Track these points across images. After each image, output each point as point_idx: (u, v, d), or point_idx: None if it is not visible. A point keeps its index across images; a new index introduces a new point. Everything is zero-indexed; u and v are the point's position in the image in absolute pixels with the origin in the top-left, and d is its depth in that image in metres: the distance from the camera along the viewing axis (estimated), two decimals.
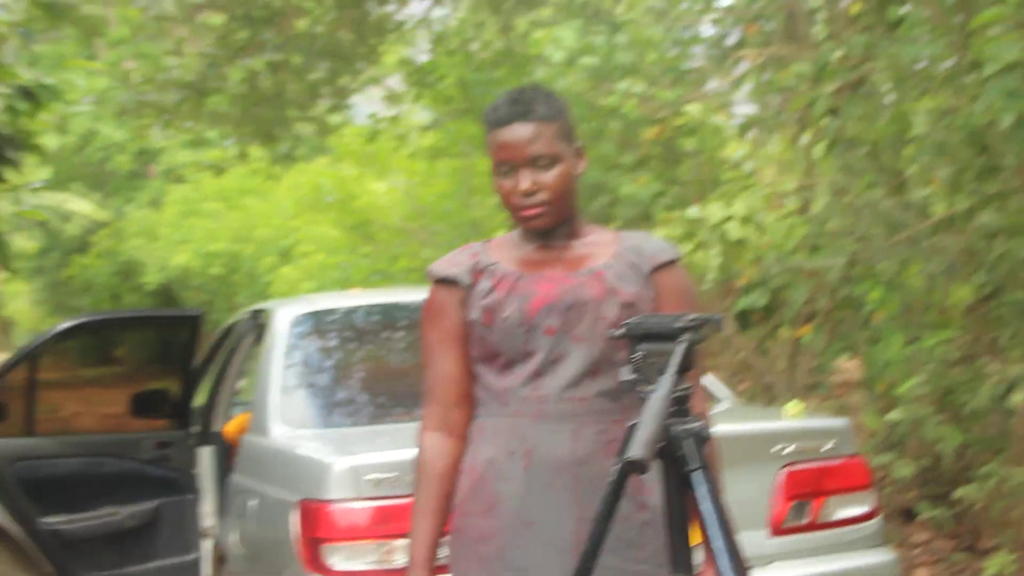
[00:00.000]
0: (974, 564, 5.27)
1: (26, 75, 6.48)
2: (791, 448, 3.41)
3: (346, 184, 12.10)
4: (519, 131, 2.19)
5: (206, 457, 4.72)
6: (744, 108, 7.96)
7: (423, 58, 10.22)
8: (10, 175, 6.67)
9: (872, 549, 3.55)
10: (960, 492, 4.91)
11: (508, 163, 2.21)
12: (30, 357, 4.35)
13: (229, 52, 9.75)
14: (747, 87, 7.41)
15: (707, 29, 7.37)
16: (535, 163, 2.20)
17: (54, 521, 4.12)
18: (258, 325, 4.48)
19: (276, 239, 14.67)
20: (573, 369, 2.20)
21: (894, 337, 5.23)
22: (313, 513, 3.11)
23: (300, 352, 4.05)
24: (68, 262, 20.19)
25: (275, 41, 9.69)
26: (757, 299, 6.46)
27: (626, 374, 1.92)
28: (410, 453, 2.31)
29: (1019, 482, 4.74)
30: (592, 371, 2.20)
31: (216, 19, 10.01)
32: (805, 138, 6.99)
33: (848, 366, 8.23)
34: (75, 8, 7.43)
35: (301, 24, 9.77)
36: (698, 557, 1.90)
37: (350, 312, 4.30)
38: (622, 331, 1.95)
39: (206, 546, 4.37)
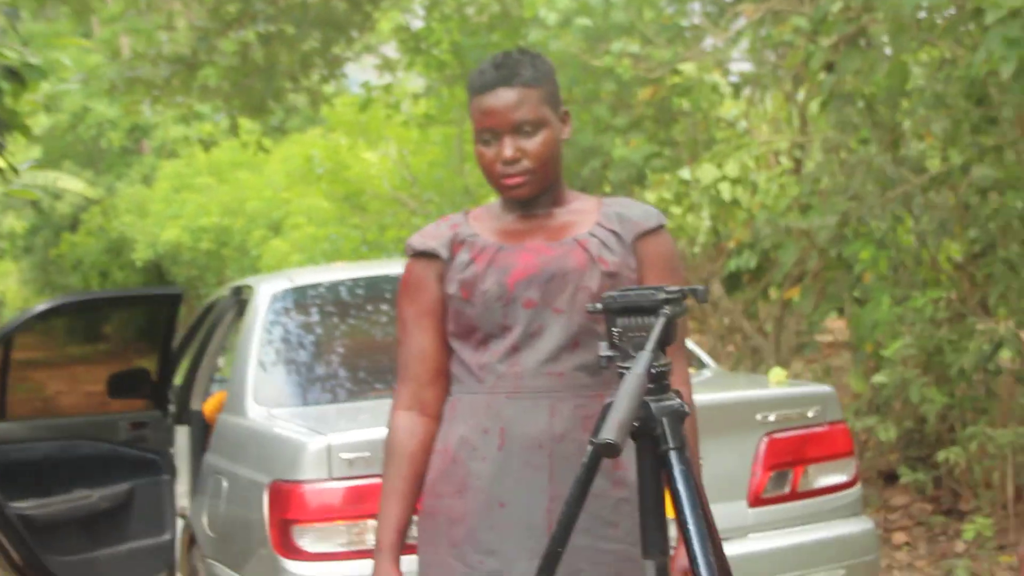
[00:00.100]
0: (953, 527, 5.19)
1: (11, 54, 6.28)
2: (773, 416, 3.30)
3: (337, 154, 11.97)
4: (503, 96, 2.09)
5: (183, 436, 4.59)
6: (740, 66, 7.80)
7: (418, 24, 10.03)
8: None
9: (851, 518, 3.46)
10: (943, 454, 4.83)
11: (491, 130, 2.10)
12: (4, 340, 4.21)
13: (221, 24, 9.56)
14: (744, 44, 7.25)
15: None
16: (519, 130, 2.09)
17: (24, 506, 3.98)
18: (240, 301, 4.36)
19: (267, 212, 14.57)
20: (552, 343, 2.09)
21: (883, 297, 5.12)
22: (284, 494, 2.99)
23: (280, 329, 3.92)
24: (58, 240, 20.08)
25: (267, 12, 9.49)
26: (747, 260, 6.33)
27: (604, 350, 1.78)
28: (386, 431, 2.18)
29: (1003, 443, 4.65)
30: (571, 344, 2.09)
31: None
32: (800, 95, 6.85)
33: (835, 326, 8.13)
34: None
35: None
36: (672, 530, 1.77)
37: (334, 286, 4.16)
38: (599, 305, 1.81)
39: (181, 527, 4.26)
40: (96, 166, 21.27)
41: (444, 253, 2.14)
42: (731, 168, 6.67)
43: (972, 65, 4.76)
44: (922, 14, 5.44)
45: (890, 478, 5.75)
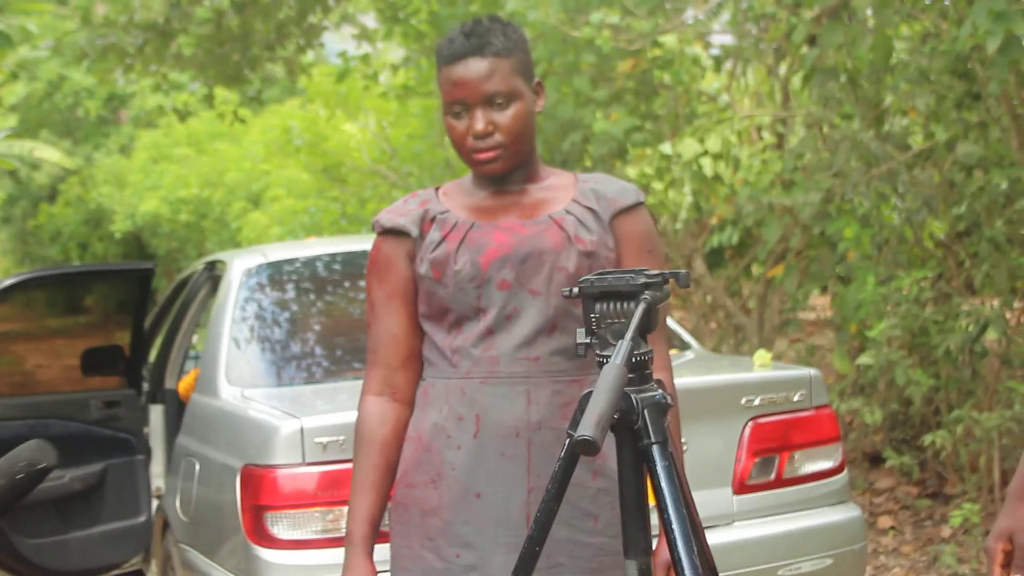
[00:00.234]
0: (939, 511, 5.16)
1: None
2: (757, 400, 3.23)
3: (316, 125, 11.83)
4: (474, 67, 2.00)
5: (157, 416, 4.51)
6: (721, 39, 7.71)
7: None
8: None
9: (838, 505, 3.39)
10: (928, 438, 4.78)
11: (461, 102, 2.02)
12: None
13: None
14: (725, 16, 7.16)
15: None
16: (491, 102, 2.01)
17: None
18: (213, 277, 4.27)
19: (246, 184, 14.44)
20: (528, 326, 2.01)
21: (868, 277, 5.07)
22: (256, 479, 2.91)
23: (254, 306, 3.84)
24: (37, 211, 19.87)
25: None
26: (729, 236, 6.26)
27: (581, 337, 1.71)
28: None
29: (989, 427, 4.60)
30: (548, 328, 2.02)
31: None
32: (782, 69, 6.77)
33: (818, 303, 8.09)
34: None
35: None
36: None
37: (310, 262, 4.08)
38: (576, 290, 1.73)
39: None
40: (73, 136, 21.04)
41: (414, 231, 2.06)
42: (713, 143, 6.60)
43: (957, 39, 4.69)
44: None
45: (875, 460, 5.72)
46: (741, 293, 7.49)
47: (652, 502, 1.70)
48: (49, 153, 19.49)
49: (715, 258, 7.82)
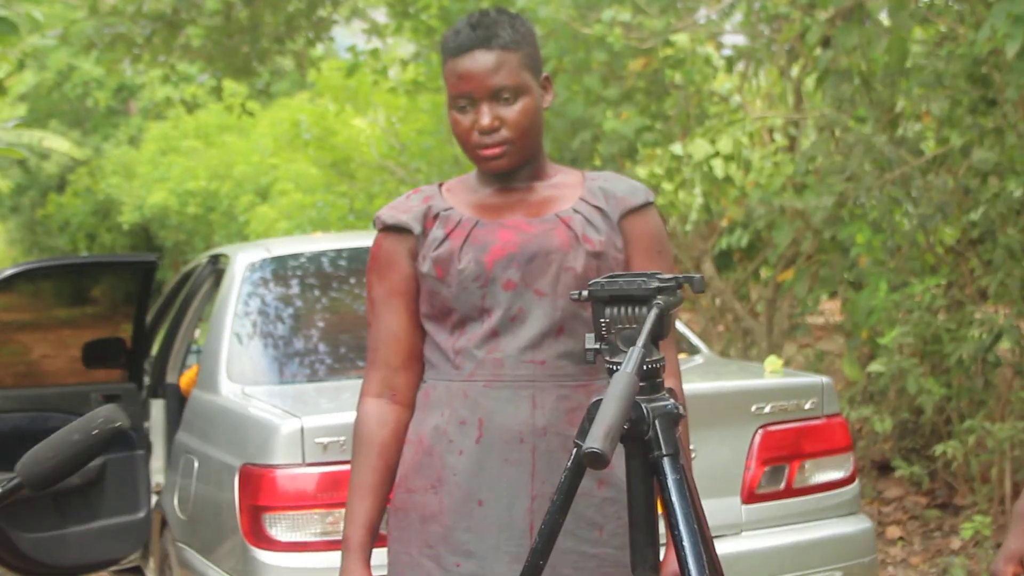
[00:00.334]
0: (948, 522, 5.09)
1: None
2: (768, 408, 3.17)
3: (325, 120, 11.78)
4: (480, 60, 1.94)
5: (158, 410, 4.46)
6: (733, 39, 7.64)
7: None
8: None
9: (848, 517, 3.32)
10: (940, 448, 4.71)
11: (467, 96, 1.96)
12: None
13: None
14: (738, 17, 7.09)
15: None
16: (497, 96, 1.95)
17: None
18: (216, 271, 4.22)
19: (254, 177, 14.40)
20: (534, 328, 1.95)
21: (880, 283, 5.00)
22: (255, 479, 2.86)
23: (257, 300, 3.78)
24: (45, 201, 19.87)
25: None
26: (739, 239, 6.19)
27: (590, 342, 1.64)
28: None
29: (1001, 438, 4.53)
30: (555, 330, 1.96)
31: None
32: (795, 70, 6.70)
33: (827, 307, 8.02)
34: None
35: None
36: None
37: (315, 257, 4.02)
38: (585, 293, 1.67)
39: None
40: (83, 126, 21.03)
41: (416, 228, 2.00)
42: (724, 144, 6.53)
43: (975, 43, 4.62)
44: None
45: (883, 468, 5.65)
46: (750, 296, 7.42)
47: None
48: (58, 143, 19.48)
49: (724, 260, 7.75)
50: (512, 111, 1.95)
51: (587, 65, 6.66)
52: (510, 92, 1.94)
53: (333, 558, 2.69)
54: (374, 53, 9.34)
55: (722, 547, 2.07)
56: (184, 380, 4.48)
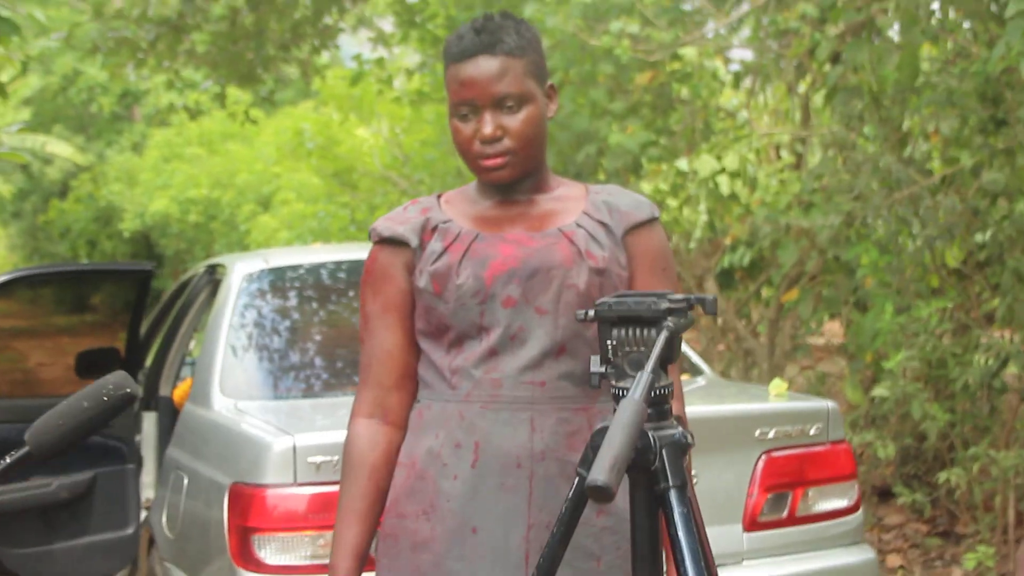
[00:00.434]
0: (950, 550, 4.99)
1: None
2: (772, 432, 3.08)
3: (329, 129, 11.72)
4: (484, 66, 1.87)
5: (150, 424, 4.37)
6: (740, 54, 7.57)
7: None
8: None
9: (852, 547, 3.23)
10: (943, 476, 4.61)
11: (469, 103, 1.88)
12: None
13: None
14: (746, 32, 7.02)
15: None
16: (501, 104, 1.87)
17: None
18: (213, 281, 4.13)
19: (257, 186, 14.34)
20: (535, 348, 1.87)
21: (887, 305, 4.91)
22: (245, 499, 2.77)
23: (253, 312, 3.70)
24: (47, 206, 19.82)
25: None
26: (741, 257, 6.10)
27: (595, 365, 1.55)
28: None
29: (1006, 467, 4.44)
30: (556, 350, 1.88)
31: None
32: (803, 86, 6.63)
33: (828, 328, 7.94)
34: None
35: None
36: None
37: (313, 269, 3.94)
38: (591, 313, 1.58)
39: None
40: (87, 131, 20.99)
41: (413, 240, 1.92)
42: (730, 161, 6.45)
43: (989, 60, 4.54)
44: (935, 6, 5.23)
45: (884, 494, 5.55)
46: (751, 316, 7.33)
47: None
48: (62, 148, 19.44)
49: (725, 279, 7.67)
50: (516, 120, 1.87)
51: (593, 78, 6.59)
52: (514, 100, 1.87)
53: None
54: (379, 62, 9.29)
55: None
56: (177, 393, 4.39)
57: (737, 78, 6.98)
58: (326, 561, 2.67)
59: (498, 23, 1.90)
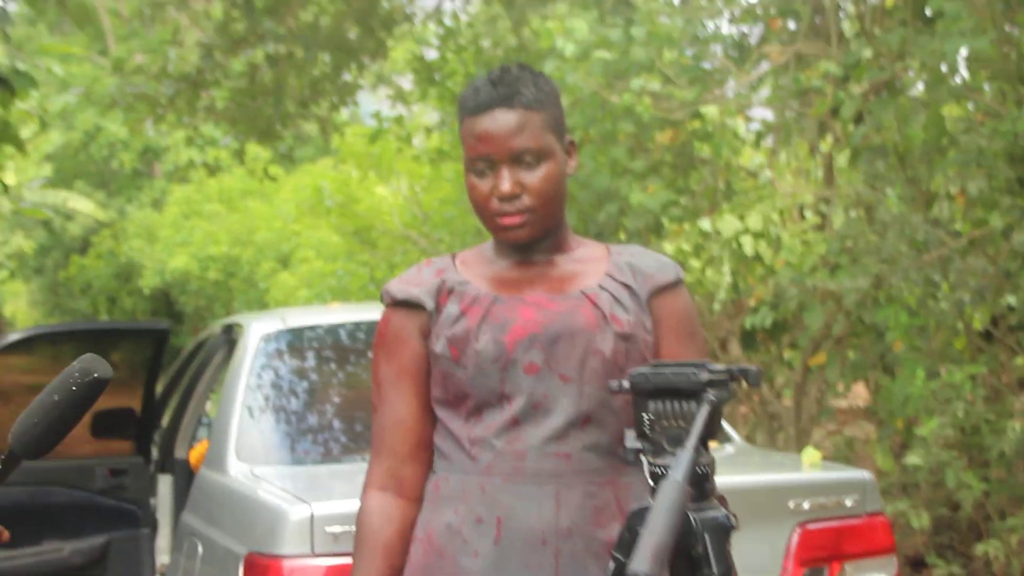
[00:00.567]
0: None
1: (2, 60, 6.05)
2: (807, 504, 2.97)
3: (348, 187, 11.72)
4: (501, 119, 1.79)
5: (166, 486, 4.29)
6: (761, 113, 7.53)
7: (432, 55, 9.82)
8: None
9: None
10: (981, 548, 4.46)
11: (486, 158, 1.81)
12: None
13: (228, 43, 9.35)
14: (767, 90, 6.99)
15: (728, 26, 6.93)
16: (519, 160, 1.80)
17: None
18: (230, 340, 4.06)
19: (276, 243, 14.34)
20: (560, 418, 1.79)
21: (918, 370, 4.80)
22: (260, 570, 2.69)
23: (270, 374, 3.62)
24: (68, 262, 19.89)
25: (277, 32, 9.28)
26: (763, 318, 6.01)
27: (631, 440, 1.47)
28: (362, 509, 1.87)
29: None
30: (582, 420, 1.80)
31: (216, 9, 9.63)
32: (825, 146, 6.57)
33: (852, 389, 7.81)
34: None
35: (306, 15, 9.37)
36: None
37: (332, 329, 3.86)
38: (626, 384, 1.49)
39: None
40: (108, 187, 21.11)
41: (429, 303, 1.85)
42: (754, 221, 6.38)
43: (1018, 120, 4.48)
44: (961, 67, 5.18)
45: (917, 564, 5.40)
46: (775, 379, 7.22)
47: None
48: (83, 204, 19.54)
49: (747, 340, 7.57)
50: (534, 176, 1.80)
51: (613, 136, 6.55)
52: (533, 155, 1.80)
53: None
54: (398, 120, 9.30)
55: None
56: (194, 455, 4.31)
57: (758, 137, 6.94)
58: None
59: (515, 75, 1.83)
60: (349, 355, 3.87)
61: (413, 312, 1.85)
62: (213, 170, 15.86)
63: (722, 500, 1.47)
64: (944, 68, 5.12)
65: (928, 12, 5.50)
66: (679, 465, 1.32)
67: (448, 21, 9.61)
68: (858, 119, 5.72)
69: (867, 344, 5.50)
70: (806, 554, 2.97)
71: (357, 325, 3.94)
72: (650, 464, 1.46)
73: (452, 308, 1.83)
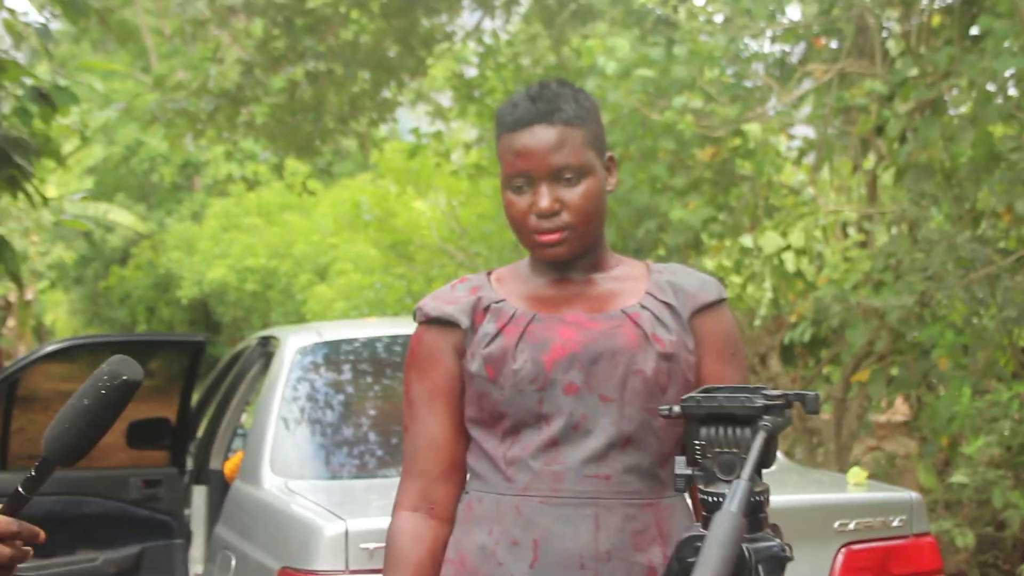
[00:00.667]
0: None
1: (44, 76, 6.10)
2: (853, 524, 2.90)
3: (386, 201, 11.75)
4: (541, 135, 1.75)
5: (200, 497, 4.27)
6: (802, 130, 7.46)
7: (472, 72, 9.83)
8: (40, 186, 6.30)
9: None
10: None
11: (524, 175, 1.76)
12: (7, 382, 3.92)
13: (268, 60, 9.40)
14: (809, 108, 6.92)
15: (771, 45, 6.87)
16: (559, 177, 1.75)
17: (21, 568, 3.66)
18: (266, 353, 4.04)
19: (314, 256, 14.40)
20: (600, 439, 1.74)
21: (964, 388, 4.71)
22: None
23: (306, 387, 3.59)
24: (108, 273, 20.08)
25: (317, 50, 9.31)
26: (801, 333, 5.94)
27: (681, 467, 1.41)
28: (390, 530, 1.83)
29: None
30: (622, 441, 1.75)
31: (257, 27, 9.69)
32: (868, 163, 6.50)
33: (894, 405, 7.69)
34: (98, 8, 7.07)
35: (346, 33, 9.40)
36: None
37: (368, 343, 3.83)
38: (677, 409, 1.43)
39: None
40: (148, 200, 21.31)
41: (464, 321, 1.80)
42: (796, 238, 6.30)
43: None
44: (1009, 86, 5.11)
45: None
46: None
47: None
48: (123, 216, 19.72)
49: (786, 355, 7.50)
50: (574, 193, 1.76)
51: (654, 153, 6.50)
52: (573, 172, 1.75)
53: None
54: (437, 136, 9.30)
55: None
56: (228, 466, 4.29)
57: (800, 154, 6.88)
58: None
59: (555, 91, 1.78)
60: (385, 368, 3.83)
61: (447, 330, 1.81)
62: (252, 184, 15.95)
63: (775, 529, 1.41)
64: (992, 87, 5.05)
65: (974, 31, 5.43)
66: (735, 496, 1.26)
67: (488, 39, 9.61)
68: (902, 137, 5.65)
69: (910, 361, 5.41)
70: (851, 575, 2.90)
71: (394, 338, 3.90)
72: (702, 492, 1.40)
73: (488, 326, 1.79)
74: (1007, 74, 4.88)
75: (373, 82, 10.01)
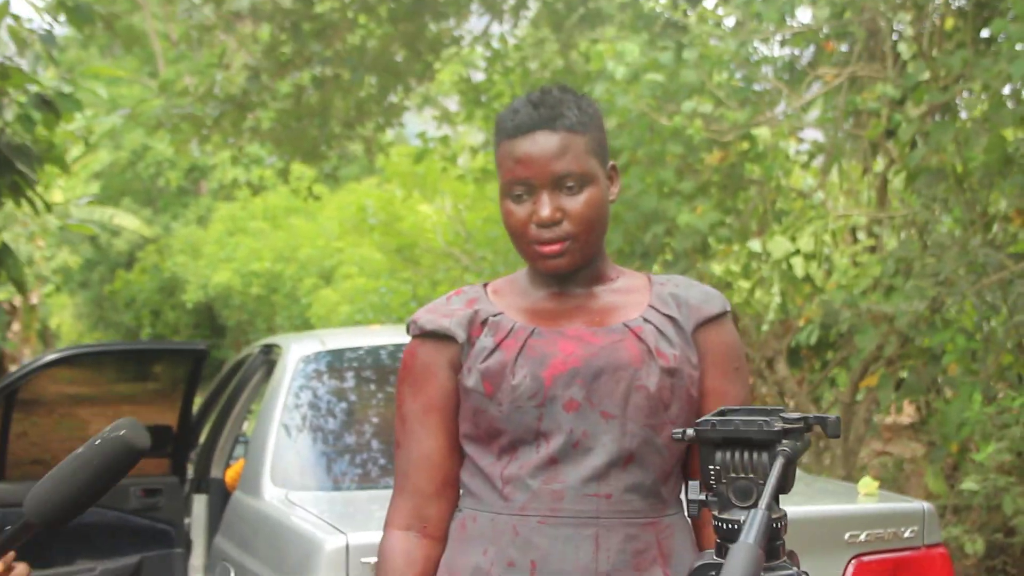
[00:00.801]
0: None
1: (48, 83, 6.06)
2: (863, 536, 2.84)
3: (392, 205, 11.72)
4: (543, 142, 1.69)
5: (200, 506, 4.21)
6: (811, 134, 7.40)
7: (479, 77, 9.80)
8: (42, 192, 6.24)
9: None
10: None
11: (525, 182, 1.70)
12: (5, 393, 3.86)
13: (275, 65, 9.36)
14: (818, 111, 6.86)
15: (780, 49, 6.80)
16: (560, 185, 1.70)
17: None
18: (269, 361, 3.98)
19: (319, 260, 14.37)
20: (601, 457, 1.68)
21: (975, 394, 4.65)
22: None
23: (308, 395, 3.53)
24: (113, 277, 20.08)
25: (323, 55, 9.27)
26: (808, 336, 5.88)
27: (695, 492, 1.34)
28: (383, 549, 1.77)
29: None
30: (624, 459, 1.69)
31: (264, 32, 9.66)
32: (877, 167, 6.43)
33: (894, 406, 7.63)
34: (101, 13, 7.03)
35: (353, 38, 9.36)
36: None
37: (372, 351, 3.76)
38: (691, 432, 1.37)
39: None
40: (154, 205, 21.32)
41: (461, 335, 1.73)
42: (805, 242, 6.24)
43: None
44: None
45: None
46: (822, 399, 7.06)
47: None
48: (129, 221, 19.71)
49: (792, 358, 7.43)
50: (576, 202, 1.69)
51: (661, 157, 6.44)
52: (575, 180, 1.69)
53: None
54: (444, 140, 9.26)
55: None
56: (230, 474, 4.24)
57: (810, 158, 6.82)
58: None
59: (557, 97, 1.72)
60: (389, 377, 3.77)
61: (443, 344, 1.74)
62: (258, 188, 15.93)
63: (792, 556, 1.34)
64: (1006, 90, 4.99)
65: (987, 34, 5.37)
66: (752, 526, 1.18)
67: (496, 44, 9.56)
68: (913, 142, 5.59)
69: (920, 366, 5.35)
70: None
71: (398, 347, 3.84)
72: (716, 519, 1.34)
73: (486, 340, 1.72)
74: (1020, 78, 4.82)
75: (380, 87, 9.97)
